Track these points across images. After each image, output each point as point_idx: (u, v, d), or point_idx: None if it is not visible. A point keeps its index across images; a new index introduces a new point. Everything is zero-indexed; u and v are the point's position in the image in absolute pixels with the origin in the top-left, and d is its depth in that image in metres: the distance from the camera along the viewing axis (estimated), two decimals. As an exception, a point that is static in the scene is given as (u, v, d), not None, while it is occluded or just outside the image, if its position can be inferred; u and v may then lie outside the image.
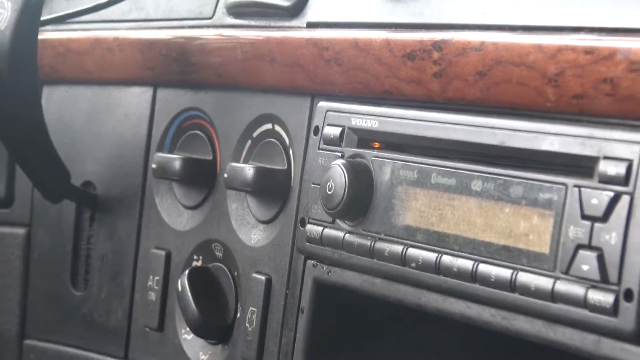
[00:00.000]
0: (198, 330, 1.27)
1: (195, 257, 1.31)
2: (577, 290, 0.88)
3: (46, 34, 1.43)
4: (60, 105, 1.48)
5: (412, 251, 1.02)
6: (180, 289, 1.27)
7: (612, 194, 0.86)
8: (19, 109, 1.36)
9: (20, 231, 1.55)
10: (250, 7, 1.25)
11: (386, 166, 1.06)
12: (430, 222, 1.01)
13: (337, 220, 1.10)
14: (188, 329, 1.29)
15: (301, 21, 1.19)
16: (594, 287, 0.87)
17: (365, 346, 1.15)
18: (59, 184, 1.43)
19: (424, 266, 1.01)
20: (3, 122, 1.38)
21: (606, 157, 0.87)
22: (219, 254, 1.28)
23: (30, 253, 1.54)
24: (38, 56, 1.34)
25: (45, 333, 1.52)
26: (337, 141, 1.11)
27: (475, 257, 0.97)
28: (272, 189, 1.21)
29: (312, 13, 1.19)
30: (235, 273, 1.25)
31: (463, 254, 0.98)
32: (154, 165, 1.34)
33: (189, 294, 1.25)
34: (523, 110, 0.95)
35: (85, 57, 1.45)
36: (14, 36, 1.30)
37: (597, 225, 0.87)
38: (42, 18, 1.36)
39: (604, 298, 0.86)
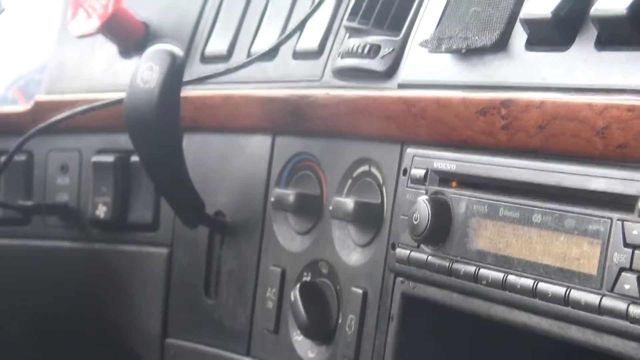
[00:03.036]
0: (307, 333, 1.28)
1: (305, 273, 1.31)
2: (620, 305, 0.88)
3: (187, 92, 1.45)
4: (197, 149, 1.50)
5: (483, 271, 1.02)
6: (292, 299, 1.28)
7: (650, 226, 0.86)
8: (165, 152, 1.38)
9: (164, 251, 1.57)
10: (351, 71, 1.26)
11: (462, 201, 1.06)
12: (498, 248, 1.01)
13: (422, 245, 1.10)
14: (299, 331, 1.29)
15: (393, 83, 1.20)
16: (634, 302, 0.86)
17: (445, 348, 1.15)
18: (195, 213, 1.45)
19: (493, 283, 1.01)
20: (151, 162, 1.40)
21: (645, 196, 0.87)
22: (324, 270, 1.28)
23: (171, 268, 1.56)
24: (180, 109, 1.36)
25: (183, 333, 1.54)
26: (421, 180, 1.11)
27: (535, 276, 0.96)
28: (368, 219, 1.21)
29: (402, 76, 1.19)
30: (338, 287, 1.26)
31: (525, 274, 0.97)
32: (272, 199, 1.36)
33: (300, 303, 1.26)
34: (576, 157, 0.95)
35: (218, 111, 1.47)
36: (160, 93, 1.33)
37: (637, 252, 0.86)
38: (184, 79, 1.38)
39: (642, 312, 0.86)
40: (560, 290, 0.93)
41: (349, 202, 1.22)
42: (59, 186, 1.69)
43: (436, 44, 1.12)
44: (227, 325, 1.44)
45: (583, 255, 0.92)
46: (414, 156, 1.14)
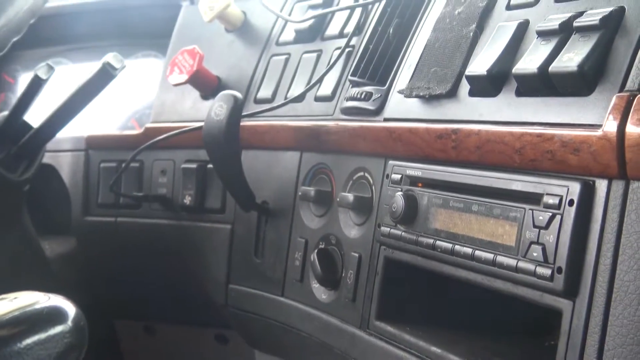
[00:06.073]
0: (321, 282, 1.26)
1: (320, 243, 1.30)
2: (530, 266, 0.86)
3: (244, 122, 1.44)
4: (251, 160, 1.49)
5: (438, 243, 1.00)
6: (312, 259, 1.26)
7: (550, 214, 0.85)
8: (229, 162, 1.38)
9: (228, 227, 1.55)
10: (353, 109, 1.26)
11: (425, 196, 1.04)
12: (449, 227, 1.00)
13: (398, 225, 1.08)
14: (316, 281, 1.28)
15: (380, 117, 1.19)
16: (540, 265, 0.85)
17: (413, 293, 1.14)
18: (248, 201, 1.44)
19: (445, 251, 0.99)
20: (220, 168, 1.40)
21: (548, 194, 0.86)
22: (333, 241, 1.27)
23: (233, 238, 1.55)
24: (240, 134, 1.35)
25: (240, 281, 1.52)
26: (398, 182, 1.10)
27: (473, 247, 0.95)
28: (363, 207, 1.20)
29: (387, 113, 1.18)
30: (342, 252, 1.24)
31: (467, 245, 0.96)
32: (300, 193, 1.34)
33: (317, 262, 1.25)
34: (501, 167, 0.94)
35: (264, 135, 1.46)
36: (227, 123, 1.32)
37: (542, 231, 0.85)
38: (243, 114, 1.37)
39: (545, 271, 0.84)
40: (490, 256, 0.92)
41: (350, 196, 1.20)
42: (160, 183, 1.69)
43: (409, 92, 1.11)
44: (269, 276, 1.43)
45: (505, 233, 0.90)
46: (393, 166, 1.12)
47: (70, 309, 0.78)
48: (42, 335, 0.73)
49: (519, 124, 0.91)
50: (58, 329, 0.74)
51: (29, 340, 0.72)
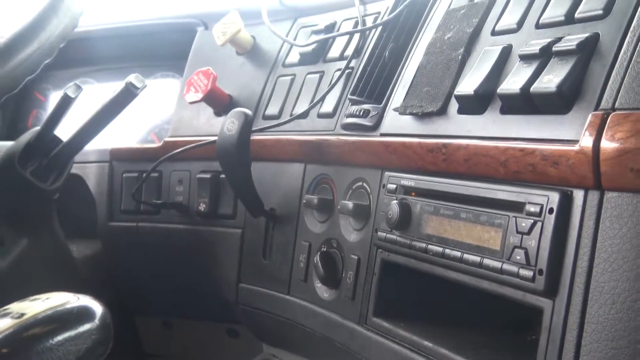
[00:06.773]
0: (323, 282, 1.26)
1: (323, 246, 1.30)
2: (514, 268, 0.86)
3: (254, 137, 1.44)
4: (260, 171, 1.49)
5: (430, 247, 1.00)
6: (315, 261, 1.26)
7: (532, 221, 0.84)
8: (240, 173, 1.38)
9: (239, 231, 1.55)
10: (352, 125, 1.26)
11: (418, 204, 1.04)
12: (440, 232, 0.99)
13: (393, 230, 1.08)
14: (319, 281, 1.28)
15: (377, 133, 1.19)
16: (522, 267, 0.85)
17: (406, 292, 1.13)
18: (257, 208, 1.43)
19: (436, 254, 0.99)
20: (232, 178, 1.39)
21: (529, 203, 0.86)
22: (334, 245, 1.27)
23: (243, 241, 1.54)
24: (250, 147, 1.35)
25: (250, 281, 1.52)
26: (394, 191, 1.10)
27: (462, 250, 0.95)
28: (361, 214, 1.20)
29: (383, 129, 1.18)
30: (342, 254, 1.24)
31: (456, 249, 0.96)
32: (304, 201, 1.34)
33: (320, 264, 1.25)
34: (487, 178, 0.94)
35: (272, 149, 1.46)
36: (238, 137, 1.32)
37: (524, 236, 0.85)
38: (252, 129, 1.37)
39: (527, 273, 0.84)
40: (477, 259, 0.92)
41: (349, 204, 1.20)
42: (177, 192, 1.69)
43: (403, 109, 1.11)
44: (276, 276, 1.43)
45: (491, 238, 0.90)
46: (389, 177, 1.12)
47: (97, 308, 0.78)
48: (72, 333, 0.73)
49: (504, 139, 0.91)
50: (86, 326, 0.75)
51: (60, 337, 0.72)
